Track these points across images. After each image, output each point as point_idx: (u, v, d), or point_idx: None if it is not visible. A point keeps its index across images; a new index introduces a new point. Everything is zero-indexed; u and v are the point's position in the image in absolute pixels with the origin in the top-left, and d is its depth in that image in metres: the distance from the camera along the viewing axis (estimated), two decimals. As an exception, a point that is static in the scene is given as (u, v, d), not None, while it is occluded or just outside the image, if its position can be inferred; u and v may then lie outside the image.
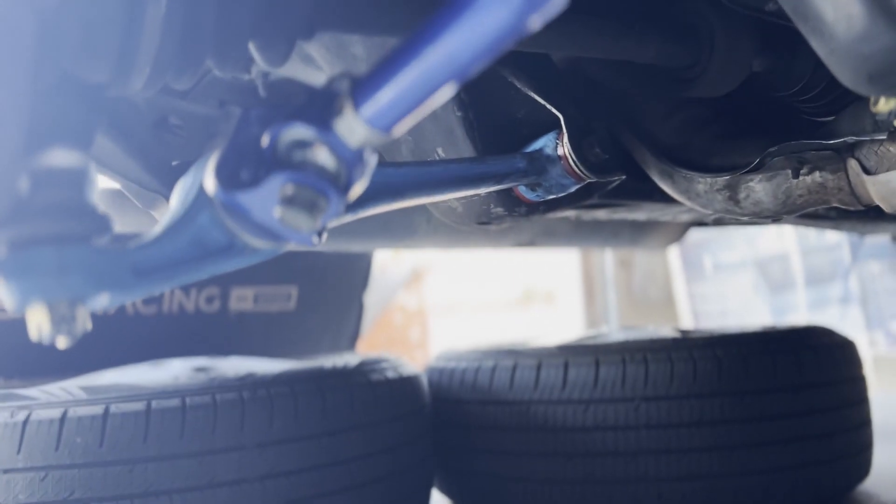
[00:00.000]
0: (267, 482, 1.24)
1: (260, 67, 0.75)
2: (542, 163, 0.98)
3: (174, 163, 1.00)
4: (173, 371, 1.55)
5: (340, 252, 2.30)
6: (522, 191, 1.03)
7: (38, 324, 0.58)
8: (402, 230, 1.75)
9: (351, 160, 0.61)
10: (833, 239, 3.41)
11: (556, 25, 0.87)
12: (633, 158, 1.19)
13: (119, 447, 1.17)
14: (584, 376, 1.50)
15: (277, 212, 0.59)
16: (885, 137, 0.92)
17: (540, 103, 0.99)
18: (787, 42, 1.05)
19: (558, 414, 1.50)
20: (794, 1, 0.69)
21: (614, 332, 1.98)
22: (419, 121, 1.06)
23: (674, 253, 4.05)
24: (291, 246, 0.71)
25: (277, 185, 0.60)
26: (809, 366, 1.52)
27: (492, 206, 1.06)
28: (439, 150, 1.05)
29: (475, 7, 0.48)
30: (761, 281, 3.78)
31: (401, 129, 0.58)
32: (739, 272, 3.88)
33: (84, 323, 0.59)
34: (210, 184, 0.65)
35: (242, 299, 2.27)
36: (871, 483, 1.67)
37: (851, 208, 1.03)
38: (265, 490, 1.23)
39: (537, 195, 1.02)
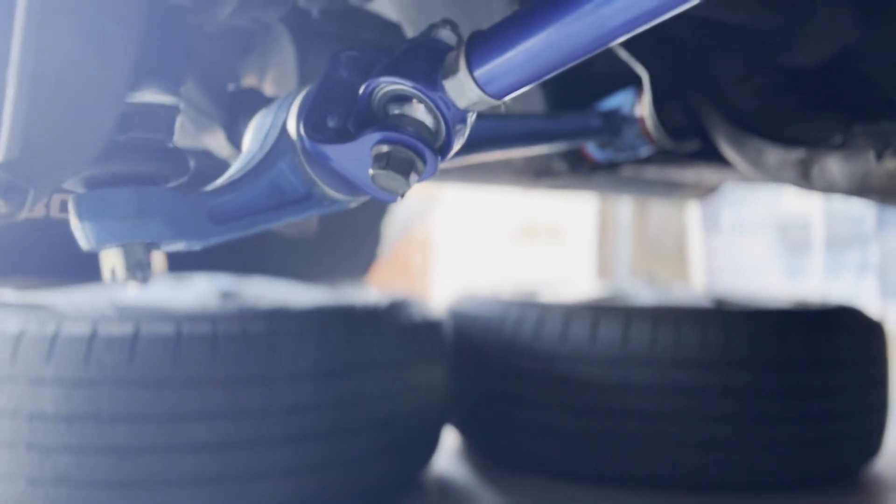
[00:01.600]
0: (292, 414, 1.23)
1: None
2: (617, 123, 0.93)
3: (230, 87, 0.95)
4: (199, 291, 1.53)
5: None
6: (591, 149, 0.98)
7: (112, 266, 0.54)
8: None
9: (453, 121, 0.56)
10: (859, 206, 3.36)
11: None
12: (700, 120, 1.14)
13: (148, 368, 1.16)
14: (613, 335, 1.49)
15: (371, 171, 0.55)
16: None
17: (618, 57, 0.93)
18: (886, 12, 0.98)
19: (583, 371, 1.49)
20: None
21: (640, 288, 1.96)
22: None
23: (693, 205, 4.00)
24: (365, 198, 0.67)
25: (371, 143, 0.56)
26: (839, 345, 1.51)
27: (555, 161, 1.01)
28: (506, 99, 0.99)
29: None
30: (779, 241, 3.74)
31: (513, 95, 0.53)
32: (758, 230, 3.84)
33: (159, 268, 0.56)
34: (294, 129, 0.61)
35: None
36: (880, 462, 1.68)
37: (932, 198, 0.98)
38: (288, 422, 1.23)
39: (606, 155, 0.98)
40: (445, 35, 0.58)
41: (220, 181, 0.61)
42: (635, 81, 0.94)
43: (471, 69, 0.52)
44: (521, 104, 0.98)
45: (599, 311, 1.52)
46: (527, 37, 0.49)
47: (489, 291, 1.82)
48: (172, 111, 0.56)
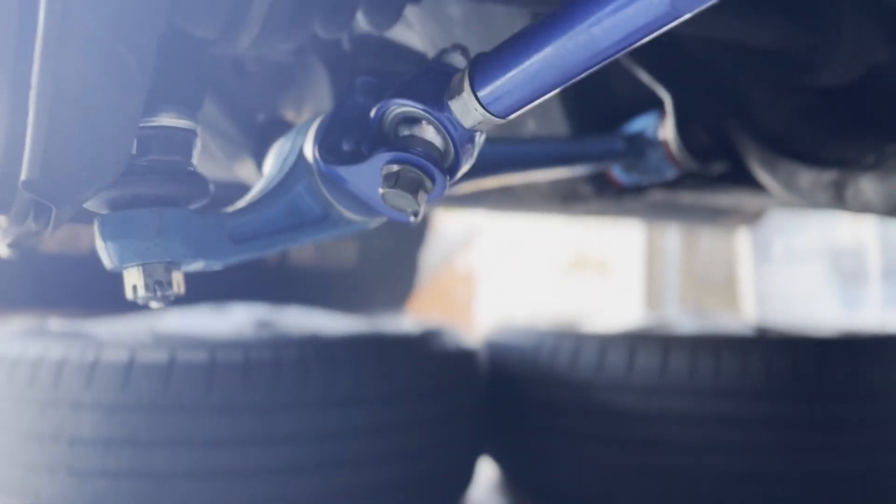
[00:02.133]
0: (324, 441, 1.24)
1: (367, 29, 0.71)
2: (641, 146, 0.93)
3: (260, 118, 0.97)
4: (236, 321, 1.56)
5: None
6: (616, 172, 0.98)
7: (134, 285, 0.56)
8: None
9: (461, 141, 0.57)
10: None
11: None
12: (731, 143, 1.13)
13: (183, 394, 1.18)
14: (651, 364, 1.46)
15: (381, 190, 0.56)
16: None
17: (642, 80, 0.93)
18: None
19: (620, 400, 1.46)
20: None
21: (683, 318, 1.92)
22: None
23: (743, 235, 3.92)
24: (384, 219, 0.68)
25: (381, 163, 0.57)
26: (887, 375, 1.45)
27: (580, 185, 1.01)
28: (530, 123, 1.00)
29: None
30: (833, 271, 3.64)
31: (517, 114, 0.54)
32: (810, 260, 3.74)
33: (179, 287, 0.58)
34: (310, 152, 0.62)
35: (303, 252, 2.28)
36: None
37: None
38: (322, 448, 1.23)
39: (631, 179, 0.97)
40: (455, 59, 0.59)
41: (239, 203, 0.63)
42: (659, 104, 0.94)
43: (474, 90, 0.53)
44: (545, 129, 0.99)
45: (636, 340, 1.50)
46: (526, 57, 0.49)
47: (526, 321, 1.81)
48: (189, 135, 0.58)
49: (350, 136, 0.61)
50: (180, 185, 0.57)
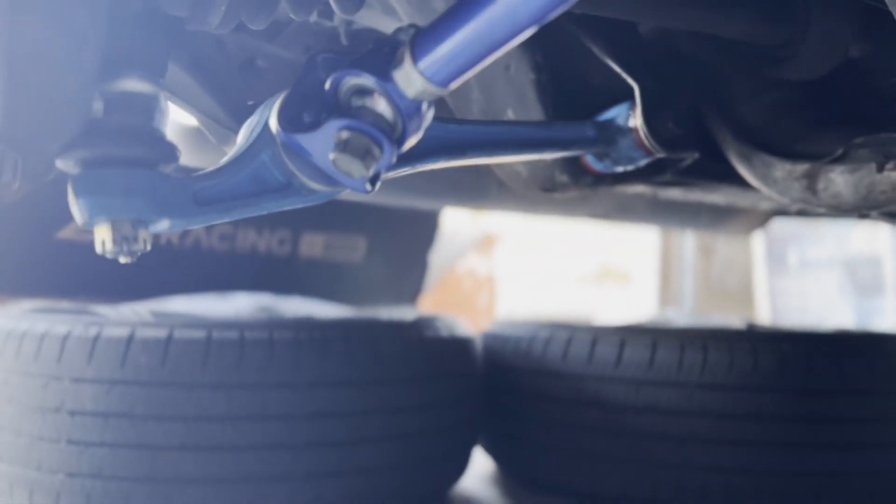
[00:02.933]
0: (315, 420, 1.28)
1: (341, 16, 0.76)
2: (612, 133, 0.96)
3: (250, 103, 1.02)
4: (238, 306, 1.61)
5: (410, 209, 2.32)
6: (590, 160, 1.01)
7: (103, 240, 0.61)
8: (472, 191, 1.76)
9: (407, 111, 0.61)
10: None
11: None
12: (710, 137, 1.15)
13: (179, 370, 1.23)
14: (640, 357, 1.48)
15: (331, 156, 0.61)
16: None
17: (617, 71, 0.97)
18: (889, 29, 0.99)
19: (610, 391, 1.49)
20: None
21: (678, 317, 1.94)
22: (492, 80, 1.05)
23: (758, 243, 3.91)
24: (348, 191, 0.72)
25: (334, 130, 0.61)
26: (876, 373, 1.46)
27: (557, 173, 1.05)
28: (510, 112, 1.04)
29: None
30: (848, 282, 3.62)
31: (457, 83, 0.58)
32: (825, 270, 3.72)
33: (145, 244, 0.62)
34: (273, 123, 0.67)
35: (312, 245, 2.33)
36: None
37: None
38: (311, 428, 1.28)
39: (604, 166, 1.01)
40: (406, 34, 0.64)
41: (208, 168, 0.68)
42: (633, 96, 0.97)
43: (415, 60, 0.57)
44: (522, 117, 1.02)
45: (626, 333, 1.52)
46: (458, 28, 0.54)
47: (525, 316, 1.84)
48: (152, 99, 0.63)
49: (311, 108, 0.65)
50: (147, 148, 0.61)
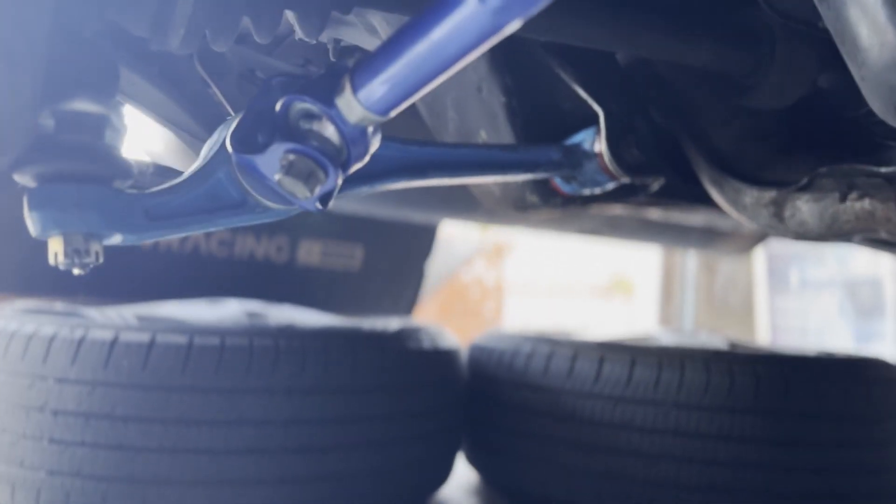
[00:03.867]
0: (290, 426, 1.31)
1: (307, 38, 0.78)
2: (578, 157, 0.98)
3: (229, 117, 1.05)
4: (226, 311, 1.64)
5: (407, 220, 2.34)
6: (558, 182, 1.03)
7: (55, 252, 0.64)
8: (462, 205, 1.78)
9: (351, 137, 0.63)
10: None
11: (599, 20, 0.87)
12: (686, 162, 1.17)
13: (160, 374, 1.26)
14: (618, 374, 1.50)
15: (277, 177, 0.63)
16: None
17: (584, 97, 0.99)
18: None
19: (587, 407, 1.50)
20: (833, 20, 0.67)
21: (663, 334, 1.95)
22: (466, 102, 1.08)
23: (759, 262, 3.90)
24: (298, 208, 0.74)
25: (280, 153, 0.64)
26: (855, 397, 1.47)
27: (528, 193, 1.07)
28: (482, 133, 1.06)
29: (454, 8, 0.49)
30: (848, 303, 3.60)
31: (395, 112, 0.60)
32: (826, 291, 3.71)
33: (97, 256, 0.65)
34: (228, 143, 0.69)
35: (310, 252, 2.36)
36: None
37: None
38: (287, 434, 1.30)
39: (571, 188, 1.03)
40: (348, 61, 0.66)
41: (165, 184, 0.71)
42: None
43: (354, 89, 0.59)
44: (493, 138, 1.05)
45: (606, 349, 1.54)
46: (393, 60, 0.56)
47: (513, 328, 1.86)
48: (102, 119, 0.66)
49: (264, 129, 0.68)
50: (99, 164, 0.64)
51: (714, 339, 1.88)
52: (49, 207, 0.62)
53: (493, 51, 1.00)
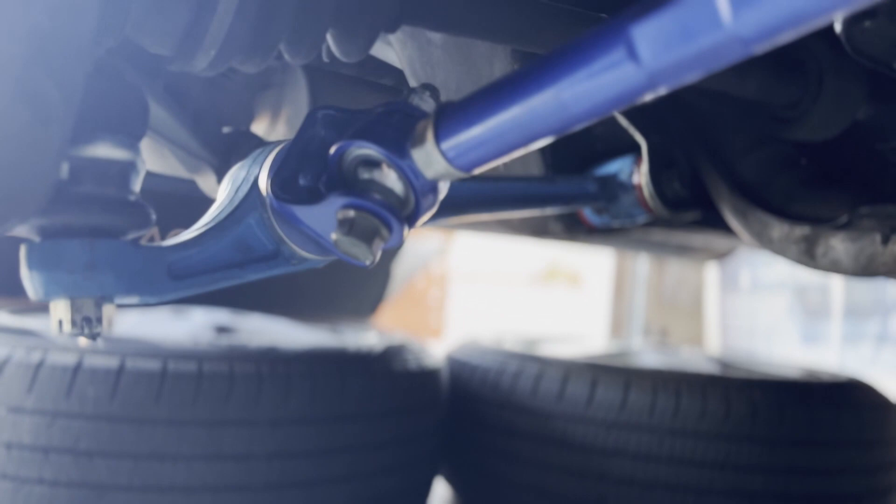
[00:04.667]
0: (274, 460, 1.21)
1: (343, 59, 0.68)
2: (614, 189, 0.91)
3: (225, 130, 0.94)
4: (194, 325, 1.52)
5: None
6: (587, 213, 0.96)
7: (60, 319, 0.53)
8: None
9: (422, 189, 0.54)
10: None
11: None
12: (704, 189, 1.12)
13: (130, 404, 1.14)
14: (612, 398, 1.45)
15: (334, 236, 0.54)
16: None
17: (624, 125, 0.92)
18: (891, 91, 0.96)
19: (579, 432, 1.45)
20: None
21: (646, 350, 1.91)
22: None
23: (711, 263, 3.94)
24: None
25: (337, 206, 0.54)
26: (847, 423, 1.45)
27: (551, 223, 0.99)
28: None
29: (593, 62, 0.41)
30: (797, 305, 3.67)
31: (482, 170, 0.52)
32: (776, 292, 3.77)
33: (109, 324, 0.54)
34: (265, 185, 0.59)
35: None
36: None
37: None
38: (270, 468, 1.20)
39: (602, 221, 0.96)
40: (423, 102, 0.57)
41: (185, 234, 0.60)
42: (636, 148, 0.92)
43: (438, 141, 0.50)
44: (518, 165, 0.96)
45: (598, 371, 1.48)
46: (492, 114, 0.47)
47: (491, 340, 1.79)
48: (127, 166, 0.55)
49: (308, 171, 0.58)
50: (116, 216, 0.53)
51: (697, 357, 1.85)
52: (55, 268, 0.51)
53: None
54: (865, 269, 0.99)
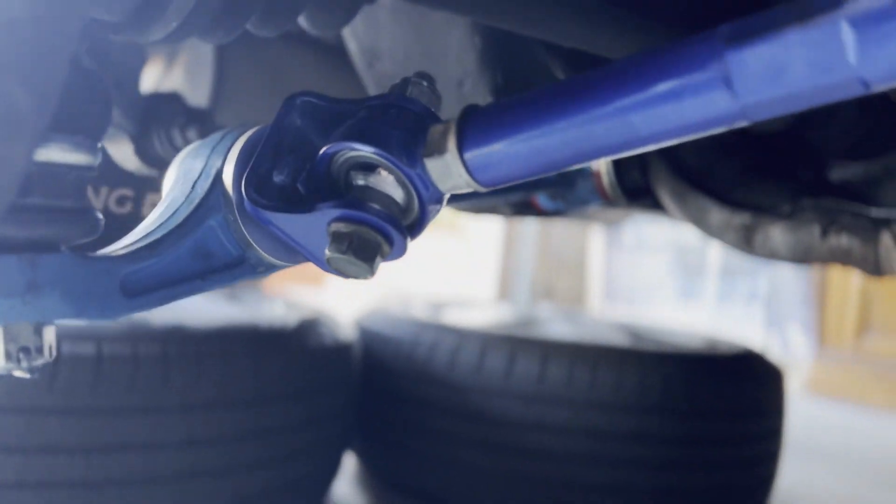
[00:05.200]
0: (185, 448, 1.12)
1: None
2: (572, 176, 0.87)
3: (144, 93, 0.82)
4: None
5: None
6: (540, 199, 0.92)
7: (-7, 351, 0.43)
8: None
9: (431, 199, 0.48)
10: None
11: (628, 34, 0.75)
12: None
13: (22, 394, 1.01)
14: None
15: (327, 254, 0.46)
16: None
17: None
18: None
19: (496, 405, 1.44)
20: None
21: (555, 319, 1.93)
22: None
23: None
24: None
25: (329, 218, 0.47)
26: (748, 394, 1.53)
27: (500, 205, 0.94)
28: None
29: (674, 83, 0.36)
30: (676, 264, 3.85)
31: (504, 185, 0.46)
32: (657, 251, 3.94)
33: (51, 352, 0.45)
34: (231, 180, 0.51)
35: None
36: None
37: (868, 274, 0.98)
38: (182, 456, 1.11)
39: (555, 206, 0.92)
40: (422, 94, 0.50)
41: (135, 238, 0.50)
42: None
43: (461, 151, 0.44)
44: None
45: (516, 344, 1.47)
46: (536, 126, 0.41)
47: (401, 308, 1.74)
48: (84, 173, 0.44)
49: (283, 166, 0.49)
50: (63, 226, 0.43)
51: (608, 325, 1.88)
52: (-14, 291, 0.41)
53: (486, 44, 0.85)
54: (801, 258, 1.01)
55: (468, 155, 0.44)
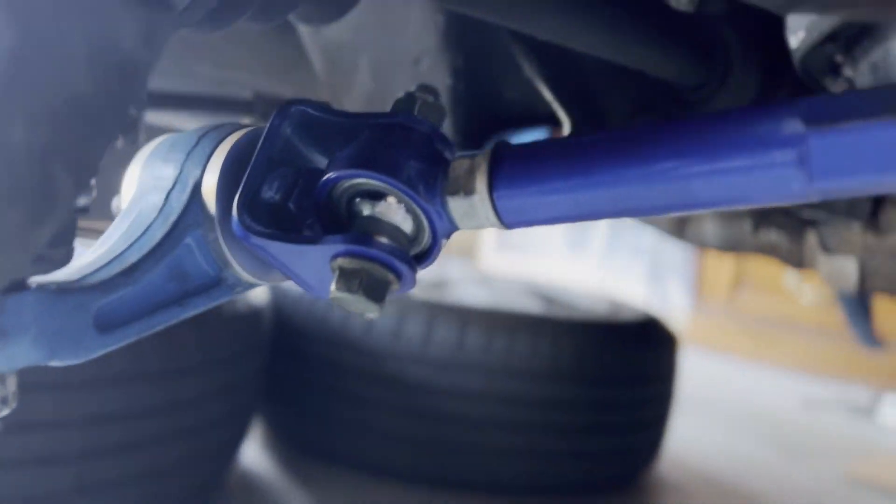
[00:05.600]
0: (89, 425, 1.05)
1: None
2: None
3: (131, 111, 0.72)
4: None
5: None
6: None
7: (-61, 405, 0.37)
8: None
9: (442, 234, 0.44)
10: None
11: (596, 26, 0.74)
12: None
13: None
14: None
15: (332, 292, 0.42)
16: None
17: (543, 96, 0.85)
18: (780, 84, 0.99)
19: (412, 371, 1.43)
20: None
21: (468, 281, 1.93)
22: (391, 70, 0.87)
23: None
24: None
25: (332, 252, 0.43)
26: (651, 360, 1.60)
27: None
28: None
29: (762, 152, 0.34)
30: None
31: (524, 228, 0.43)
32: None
33: (12, 402, 0.39)
34: (213, 197, 0.45)
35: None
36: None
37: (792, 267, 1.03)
38: (85, 435, 1.04)
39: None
40: (429, 112, 0.46)
41: (102, 256, 0.44)
42: (547, 117, 0.86)
43: (492, 192, 0.41)
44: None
45: (435, 310, 1.46)
46: (581, 176, 0.38)
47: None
48: (76, 214, 0.38)
49: (273, 180, 0.45)
50: (35, 265, 0.37)
51: (520, 289, 1.90)
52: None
53: (449, 24, 0.80)
54: (730, 249, 1.05)
55: (498, 197, 0.41)
